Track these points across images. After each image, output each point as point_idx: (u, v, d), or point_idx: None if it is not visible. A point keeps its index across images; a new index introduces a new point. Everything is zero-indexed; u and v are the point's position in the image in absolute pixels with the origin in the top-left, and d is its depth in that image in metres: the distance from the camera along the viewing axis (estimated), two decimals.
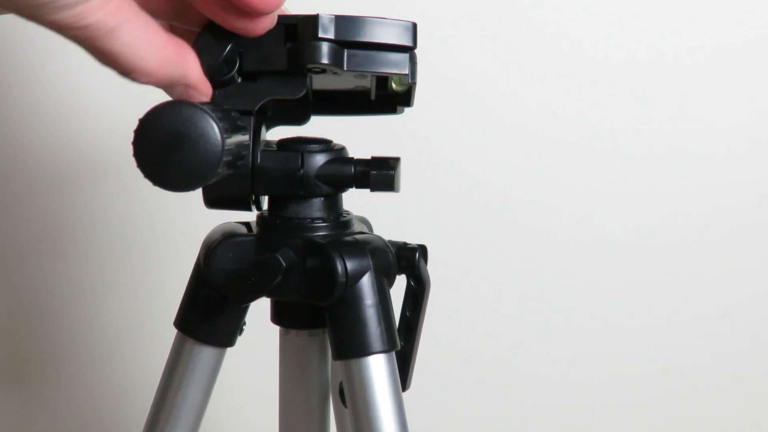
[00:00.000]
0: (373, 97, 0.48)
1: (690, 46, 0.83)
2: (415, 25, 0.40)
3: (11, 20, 0.39)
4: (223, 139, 0.33)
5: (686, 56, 0.83)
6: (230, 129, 0.36)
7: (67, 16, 0.31)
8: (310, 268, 0.44)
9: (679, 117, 0.84)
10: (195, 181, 0.33)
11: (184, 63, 0.37)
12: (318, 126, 0.49)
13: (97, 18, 0.32)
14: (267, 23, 0.38)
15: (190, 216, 0.68)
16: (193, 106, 0.33)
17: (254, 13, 0.37)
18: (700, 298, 0.87)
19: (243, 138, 0.40)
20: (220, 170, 0.34)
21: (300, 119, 0.49)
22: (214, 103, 0.39)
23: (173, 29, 0.40)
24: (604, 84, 0.83)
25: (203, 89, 0.38)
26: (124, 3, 0.33)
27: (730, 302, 0.88)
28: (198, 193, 0.43)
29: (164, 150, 0.33)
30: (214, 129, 0.33)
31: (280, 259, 0.42)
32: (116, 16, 0.32)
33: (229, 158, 0.35)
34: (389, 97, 0.48)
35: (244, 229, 0.46)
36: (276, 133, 0.48)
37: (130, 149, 0.34)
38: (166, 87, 0.37)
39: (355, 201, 0.50)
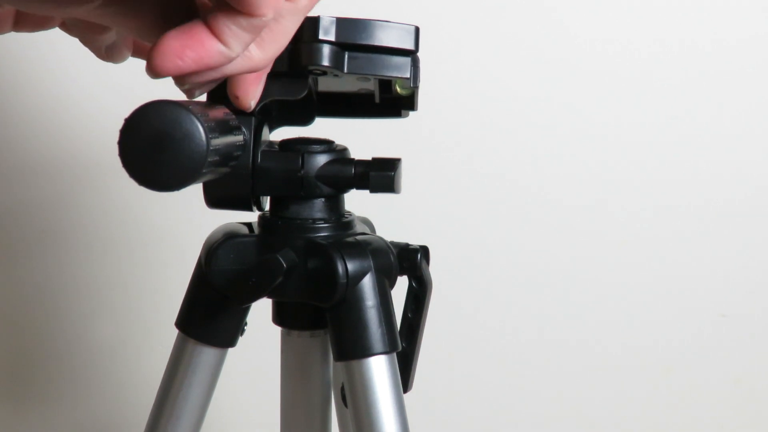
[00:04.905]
0: (377, 100, 0.48)
1: (692, 46, 0.83)
2: (417, 29, 0.40)
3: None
4: (207, 139, 0.32)
5: (686, 56, 0.83)
6: (219, 129, 0.35)
7: None
8: (311, 269, 0.44)
9: (680, 116, 0.84)
10: (179, 181, 0.33)
11: None
12: (323, 127, 0.49)
13: None
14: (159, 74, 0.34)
15: (191, 216, 0.68)
16: (178, 106, 0.32)
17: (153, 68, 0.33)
18: (699, 298, 0.87)
19: (235, 138, 0.39)
20: (205, 170, 0.33)
21: (304, 120, 0.49)
22: (207, 103, 0.39)
23: None
24: (605, 86, 0.82)
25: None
26: None
27: (729, 302, 0.88)
28: (199, 194, 0.43)
29: (149, 150, 0.32)
30: (199, 129, 0.32)
31: (281, 259, 0.42)
32: None
33: (216, 158, 0.34)
34: (394, 101, 0.48)
35: (245, 230, 0.46)
36: (281, 134, 0.48)
37: None
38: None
39: (358, 202, 0.50)
